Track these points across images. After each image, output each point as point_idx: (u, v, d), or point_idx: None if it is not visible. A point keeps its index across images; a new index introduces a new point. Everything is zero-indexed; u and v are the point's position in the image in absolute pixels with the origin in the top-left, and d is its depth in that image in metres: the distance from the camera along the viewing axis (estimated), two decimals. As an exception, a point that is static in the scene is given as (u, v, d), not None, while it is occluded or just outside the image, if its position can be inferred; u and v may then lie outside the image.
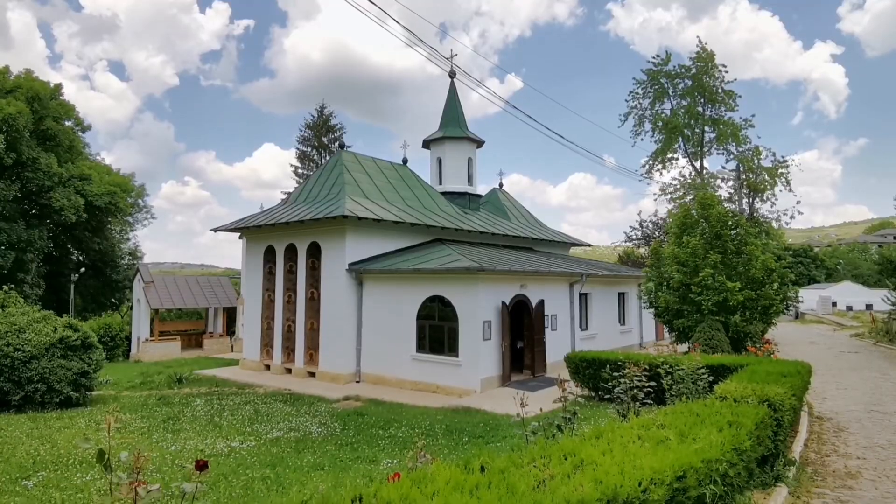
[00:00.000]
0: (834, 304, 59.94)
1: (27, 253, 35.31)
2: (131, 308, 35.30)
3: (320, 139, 43.31)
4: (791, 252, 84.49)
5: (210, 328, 35.78)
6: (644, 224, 39.51)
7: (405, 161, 26.15)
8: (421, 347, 17.55)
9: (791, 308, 20.21)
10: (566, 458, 3.46)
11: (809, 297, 61.88)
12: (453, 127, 27.55)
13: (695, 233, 19.52)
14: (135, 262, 47.97)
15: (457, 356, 16.62)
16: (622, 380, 8.53)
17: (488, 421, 12.89)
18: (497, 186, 32.01)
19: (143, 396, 18.27)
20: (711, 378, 10.48)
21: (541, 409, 8.85)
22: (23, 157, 34.34)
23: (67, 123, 39.86)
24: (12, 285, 32.12)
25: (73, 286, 40.57)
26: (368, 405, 15.56)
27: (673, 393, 10.74)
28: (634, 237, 40.32)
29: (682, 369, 10.68)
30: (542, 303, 18.74)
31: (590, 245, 32.57)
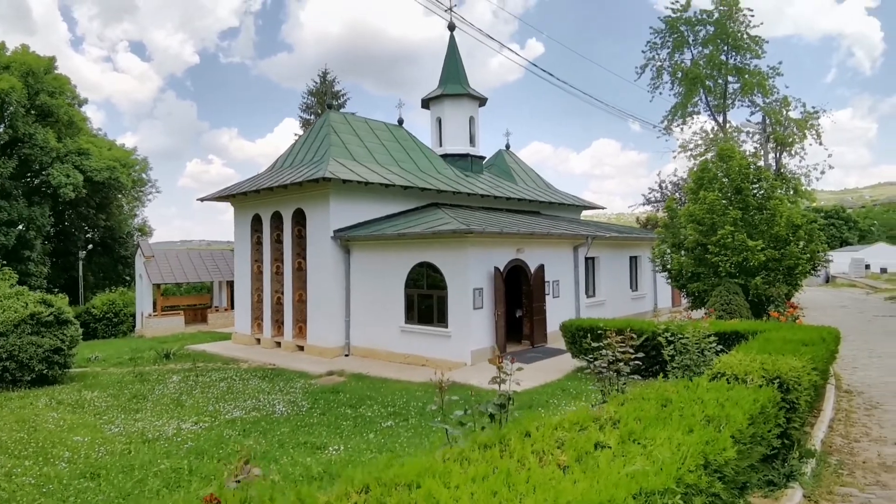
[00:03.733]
0: (867, 267, 57.10)
1: (30, 231, 34.82)
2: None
3: (324, 106, 41.69)
4: (823, 213, 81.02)
5: (216, 302, 35.08)
6: (664, 185, 37.34)
7: (401, 122, 24.55)
8: (410, 318, 16.27)
9: (820, 268, 18.36)
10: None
11: (842, 260, 59.05)
12: (453, 83, 25.72)
13: (713, 188, 17.72)
14: (145, 237, 47.57)
15: (446, 327, 15.30)
16: (604, 350, 7.10)
17: (469, 397, 11.57)
18: (503, 148, 30.21)
19: (123, 373, 17.48)
20: (720, 347, 9.02)
21: (515, 384, 7.37)
22: (19, 133, 33.57)
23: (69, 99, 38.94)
24: (5, 263, 31.71)
25: (80, 263, 40.23)
26: (350, 381, 14.40)
27: (675, 365, 9.30)
28: (654, 199, 38.18)
29: (686, 337, 9.22)
30: (541, 268, 17.23)
31: (603, 208, 30.79)
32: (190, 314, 33.02)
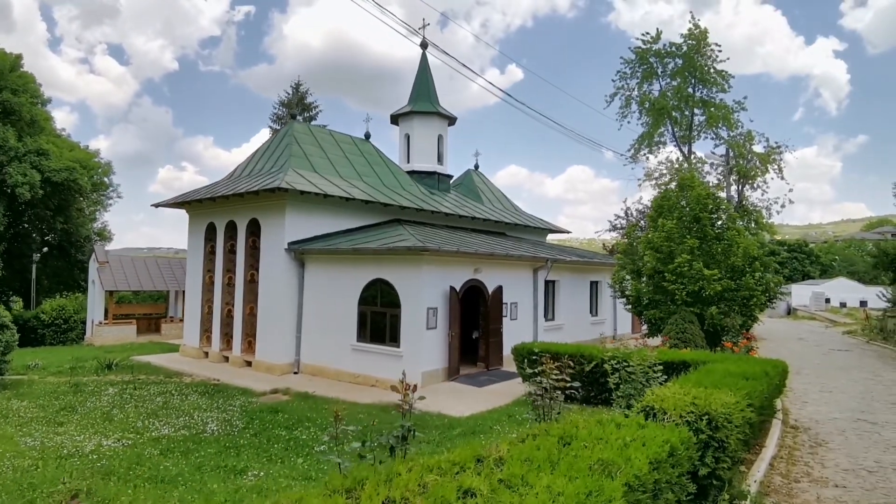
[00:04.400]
0: (827, 301, 58.32)
1: (-19, 231, 33.45)
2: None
3: (294, 118, 41.21)
4: (786, 247, 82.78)
5: (172, 312, 33.98)
6: (629, 212, 37.60)
7: (367, 136, 24.25)
8: (362, 336, 15.79)
9: (775, 301, 18.46)
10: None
11: (803, 293, 60.26)
12: (423, 101, 25.64)
13: (672, 216, 17.75)
14: (103, 242, 46.13)
15: (398, 346, 14.85)
16: (539, 378, 6.79)
17: (413, 421, 11.12)
18: (472, 168, 30.14)
19: (59, 383, 16.64)
20: (665, 377, 8.80)
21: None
22: (-23, 130, 32.38)
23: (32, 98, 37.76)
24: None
25: (34, 266, 38.76)
26: (294, 400, 13.82)
27: (620, 394, 9.05)
28: (619, 226, 38.38)
29: (631, 366, 8.98)
30: (499, 289, 16.95)
31: (568, 232, 30.78)
32: (144, 324, 31.97)
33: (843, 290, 61.38)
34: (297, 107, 42.68)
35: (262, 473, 7.56)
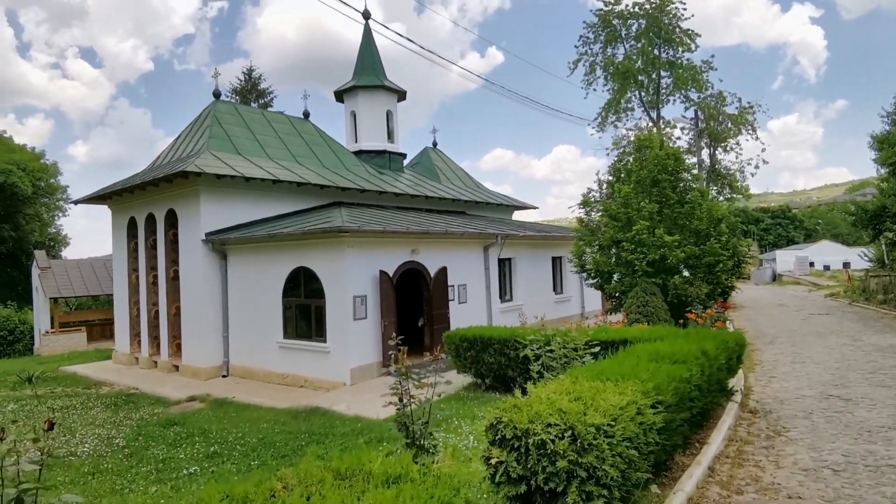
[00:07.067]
0: (812, 265, 57.36)
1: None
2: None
3: (248, 105, 39.20)
4: (770, 214, 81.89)
5: (127, 316, 32.16)
6: (601, 184, 36.05)
7: (307, 115, 22.49)
8: (288, 332, 14.21)
9: (743, 266, 17.06)
10: None
11: (787, 258, 59.30)
12: (368, 75, 23.86)
13: (629, 180, 16.25)
14: (59, 247, 44.22)
15: (325, 341, 13.30)
16: (400, 381, 5.25)
17: (322, 428, 9.59)
18: (430, 146, 28.42)
19: (-39, 403, 14.96)
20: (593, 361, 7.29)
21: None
22: None
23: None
24: None
25: (-20, 276, 36.90)
26: (207, 408, 12.27)
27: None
28: (593, 199, 36.84)
29: (552, 350, 7.48)
30: (443, 271, 15.40)
31: (535, 207, 29.14)
32: (98, 330, 30.16)
33: (827, 252, 60.46)
34: (250, 93, 40.67)
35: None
